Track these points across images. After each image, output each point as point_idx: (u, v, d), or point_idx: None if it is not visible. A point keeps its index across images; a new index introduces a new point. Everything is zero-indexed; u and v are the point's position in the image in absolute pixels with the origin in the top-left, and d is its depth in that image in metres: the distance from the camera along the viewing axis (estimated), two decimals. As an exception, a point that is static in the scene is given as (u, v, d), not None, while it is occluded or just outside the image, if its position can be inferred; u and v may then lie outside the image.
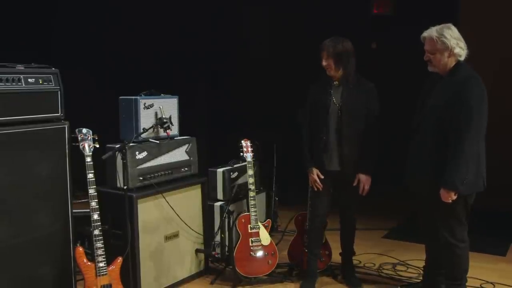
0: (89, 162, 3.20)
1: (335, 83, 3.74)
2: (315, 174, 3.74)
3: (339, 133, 3.68)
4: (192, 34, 6.80)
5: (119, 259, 3.31)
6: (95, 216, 3.18)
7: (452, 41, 3.20)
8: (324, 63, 3.67)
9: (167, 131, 3.82)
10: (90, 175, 3.18)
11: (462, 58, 3.24)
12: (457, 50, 3.21)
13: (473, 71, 3.23)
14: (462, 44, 3.24)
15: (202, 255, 4.19)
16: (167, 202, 3.82)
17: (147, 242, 3.70)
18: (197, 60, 6.89)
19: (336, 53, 3.63)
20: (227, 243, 4.18)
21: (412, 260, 4.37)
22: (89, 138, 3.24)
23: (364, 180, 3.74)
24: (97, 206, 3.19)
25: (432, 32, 3.26)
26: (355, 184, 3.75)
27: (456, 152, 3.10)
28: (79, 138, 3.23)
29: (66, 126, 3.34)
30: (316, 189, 3.79)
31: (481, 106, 3.13)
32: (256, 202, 4.08)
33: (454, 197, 3.14)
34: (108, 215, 3.56)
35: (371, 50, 6.57)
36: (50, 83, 3.27)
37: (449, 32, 3.22)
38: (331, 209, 3.90)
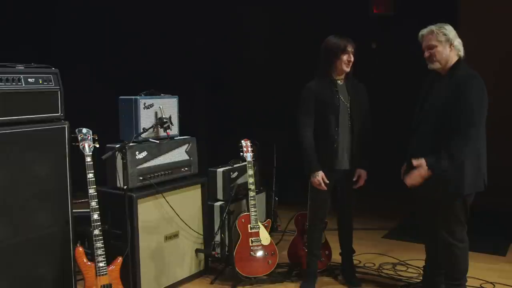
0: (89, 162, 3.20)
1: (339, 82, 3.75)
2: (321, 177, 3.69)
3: (351, 131, 3.71)
4: (192, 34, 6.80)
5: (119, 259, 3.32)
6: (95, 216, 3.18)
7: (452, 33, 3.25)
8: (351, 59, 3.69)
9: (167, 131, 3.82)
10: (90, 175, 3.19)
11: (461, 54, 3.26)
12: (456, 43, 3.25)
13: (472, 70, 3.23)
14: (459, 40, 3.28)
15: (202, 255, 4.19)
16: (167, 202, 3.82)
17: (147, 242, 3.70)
18: (197, 60, 6.89)
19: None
20: (227, 243, 4.18)
21: (412, 260, 4.37)
22: (89, 138, 3.24)
23: (364, 176, 3.80)
24: (97, 206, 3.19)
25: (431, 26, 3.30)
26: (355, 178, 3.79)
27: (450, 146, 3.11)
28: (79, 138, 3.23)
29: (66, 126, 3.34)
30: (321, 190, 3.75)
31: (481, 107, 3.12)
32: (256, 202, 4.08)
33: (423, 174, 3.18)
34: (108, 215, 3.56)
35: (371, 50, 6.57)
36: (50, 83, 3.27)
37: (447, 27, 3.28)
38: (330, 209, 3.90)
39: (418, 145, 3.35)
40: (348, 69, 3.71)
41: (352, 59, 3.70)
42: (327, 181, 3.70)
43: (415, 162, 3.22)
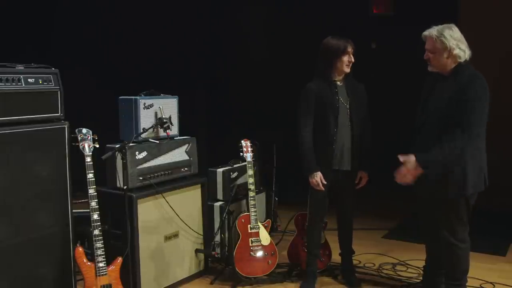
0: (89, 162, 3.20)
1: (338, 83, 3.75)
2: (319, 177, 3.70)
3: (351, 132, 3.71)
4: (191, 34, 6.80)
5: (119, 259, 3.32)
6: (95, 216, 3.18)
7: (452, 42, 3.16)
8: (352, 59, 3.69)
9: (167, 131, 3.82)
10: (90, 175, 3.19)
11: (462, 60, 3.19)
12: (456, 51, 3.16)
13: (476, 71, 3.20)
14: (463, 45, 3.19)
15: (202, 255, 4.19)
16: (167, 202, 3.82)
17: (147, 242, 3.70)
18: (196, 60, 6.89)
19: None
20: (227, 243, 4.18)
21: (412, 260, 4.37)
22: (89, 138, 3.24)
23: (365, 177, 3.83)
24: (97, 206, 3.19)
25: (432, 31, 3.23)
26: (357, 181, 3.82)
27: (447, 143, 3.09)
28: (79, 138, 3.23)
29: (66, 126, 3.34)
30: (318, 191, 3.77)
31: (482, 106, 3.11)
32: (256, 202, 4.08)
33: (410, 169, 3.13)
34: (108, 215, 3.56)
35: (371, 50, 6.58)
36: (50, 83, 3.27)
37: (450, 33, 3.18)
38: (329, 209, 3.90)
39: (421, 146, 3.33)
40: (348, 70, 3.72)
41: (353, 59, 3.70)
42: (325, 182, 3.71)
43: (401, 158, 3.16)
